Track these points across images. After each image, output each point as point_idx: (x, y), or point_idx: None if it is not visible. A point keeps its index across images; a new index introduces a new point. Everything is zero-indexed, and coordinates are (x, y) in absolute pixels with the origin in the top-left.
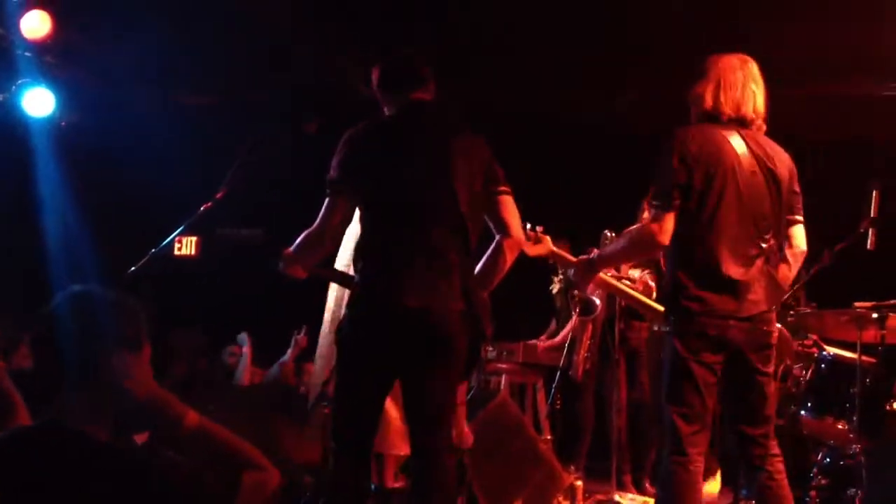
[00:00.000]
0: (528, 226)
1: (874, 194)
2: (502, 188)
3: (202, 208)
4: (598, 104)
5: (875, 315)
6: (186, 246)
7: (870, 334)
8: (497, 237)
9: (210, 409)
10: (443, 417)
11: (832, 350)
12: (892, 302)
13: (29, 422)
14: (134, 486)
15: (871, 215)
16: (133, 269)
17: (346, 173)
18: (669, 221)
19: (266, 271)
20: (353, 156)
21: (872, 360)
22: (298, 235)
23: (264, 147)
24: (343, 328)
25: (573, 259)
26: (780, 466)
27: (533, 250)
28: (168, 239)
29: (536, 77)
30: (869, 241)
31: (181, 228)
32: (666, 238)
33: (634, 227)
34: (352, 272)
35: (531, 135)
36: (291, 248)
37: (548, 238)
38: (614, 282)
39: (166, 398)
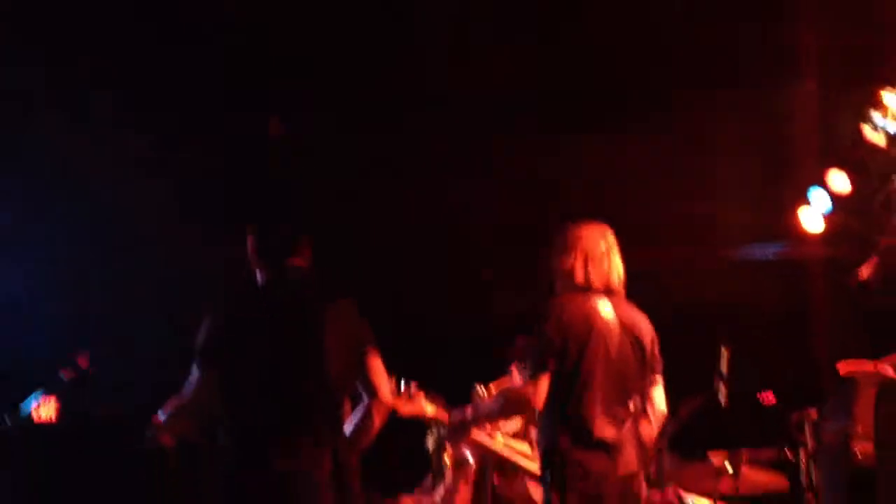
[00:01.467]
0: (403, 383)
1: (724, 353)
2: (370, 349)
3: (63, 374)
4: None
5: (728, 466)
6: (45, 408)
7: (725, 485)
8: (366, 400)
9: None
10: None
11: (691, 501)
12: (742, 452)
13: None
14: None
15: (723, 372)
16: None
17: (215, 346)
18: (544, 384)
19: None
20: (222, 328)
21: None
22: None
23: None
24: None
25: (445, 419)
26: None
27: (406, 409)
28: (24, 411)
29: None
30: (721, 397)
31: (38, 392)
32: (540, 401)
33: (509, 388)
34: None
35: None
36: (161, 417)
37: (422, 395)
38: (486, 441)
39: None
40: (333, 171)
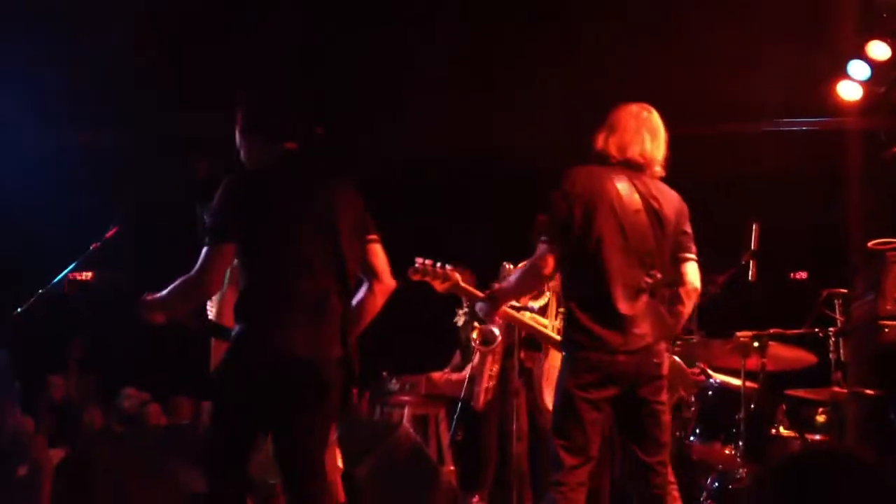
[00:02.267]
0: (438, 263)
1: (754, 229)
2: (373, 237)
3: (92, 247)
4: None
5: (756, 344)
6: (80, 283)
7: (752, 362)
8: (368, 282)
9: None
10: (321, 461)
11: (719, 377)
12: (770, 331)
13: None
14: None
15: (752, 248)
16: (20, 309)
17: (230, 221)
18: (553, 256)
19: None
20: (237, 203)
21: (756, 385)
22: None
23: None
24: (223, 379)
25: (479, 294)
26: (676, 494)
27: (441, 286)
28: (58, 278)
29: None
30: (750, 273)
31: (70, 267)
32: (549, 271)
33: (527, 261)
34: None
35: (432, 169)
36: (161, 294)
37: (456, 274)
38: (514, 313)
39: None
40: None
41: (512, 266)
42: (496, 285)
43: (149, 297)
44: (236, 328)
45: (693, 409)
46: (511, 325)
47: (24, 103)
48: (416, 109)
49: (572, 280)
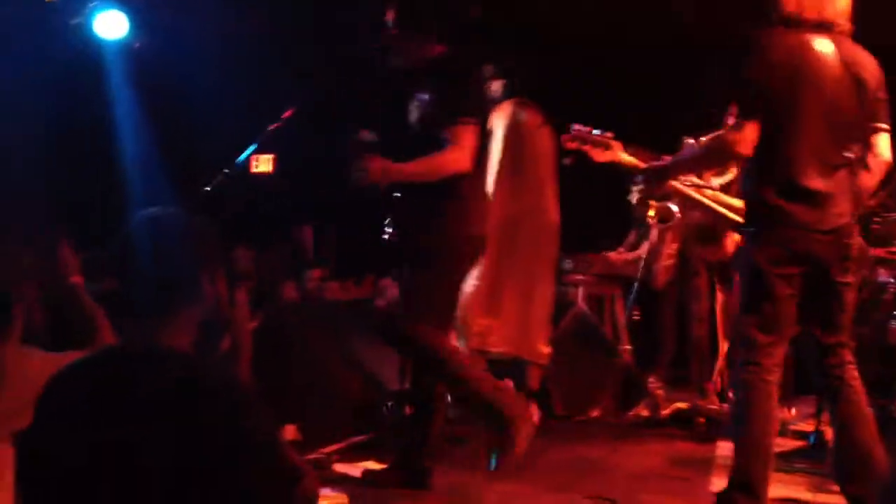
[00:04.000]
0: (597, 131)
1: None
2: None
3: (271, 127)
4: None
5: None
6: (263, 163)
7: None
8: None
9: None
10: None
11: None
12: None
13: (113, 340)
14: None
15: None
16: (208, 188)
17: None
18: (750, 130)
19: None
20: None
21: None
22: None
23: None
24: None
25: (642, 165)
26: (855, 373)
27: (601, 156)
28: (241, 157)
29: None
30: None
31: (253, 147)
32: (745, 147)
33: (714, 135)
34: None
35: (608, 46)
36: (408, 166)
37: (619, 144)
38: (687, 190)
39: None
40: None
41: (693, 142)
42: (667, 158)
43: (379, 162)
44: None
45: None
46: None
47: None
48: None
49: (765, 156)
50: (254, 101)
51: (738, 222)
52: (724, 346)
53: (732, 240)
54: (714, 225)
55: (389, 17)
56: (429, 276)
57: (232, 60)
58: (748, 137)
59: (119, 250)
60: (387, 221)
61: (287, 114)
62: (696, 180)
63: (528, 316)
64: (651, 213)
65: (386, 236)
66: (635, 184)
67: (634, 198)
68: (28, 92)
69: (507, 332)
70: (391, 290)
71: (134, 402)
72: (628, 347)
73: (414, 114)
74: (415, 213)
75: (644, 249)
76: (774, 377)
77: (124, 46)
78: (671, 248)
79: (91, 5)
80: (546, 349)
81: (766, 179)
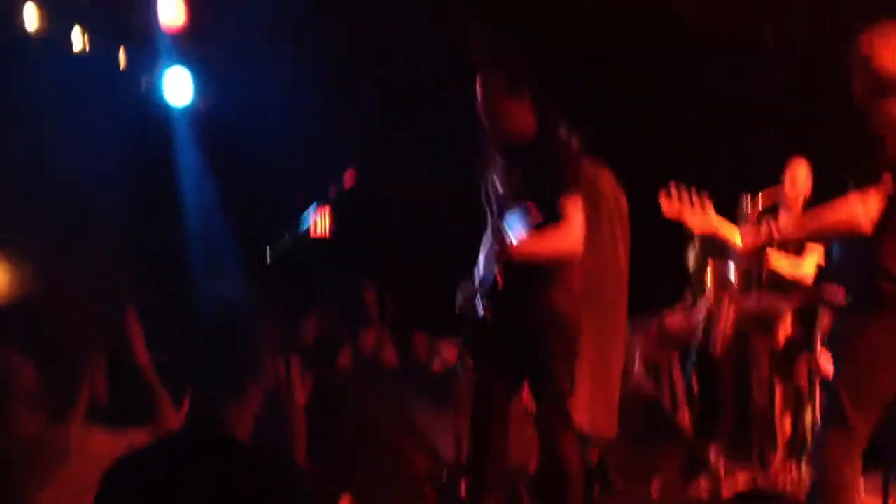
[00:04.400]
0: (692, 191)
1: None
2: None
3: (335, 190)
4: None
5: None
6: (321, 222)
7: None
8: None
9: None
10: None
11: None
12: None
13: (176, 421)
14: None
15: None
16: (272, 253)
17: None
18: (875, 202)
19: None
20: None
21: None
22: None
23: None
24: None
25: (739, 245)
26: None
27: (698, 226)
28: (303, 220)
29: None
30: None
31: (313, 208)
32: (869, 223)
33: (829, 206)
34: None
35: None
36: (531, 241)
37: (712, 210)
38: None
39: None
40: None
41: (751, 199)
42: (774, 225)
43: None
44: None
45: None
46: (753, 264)
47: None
48: None
49: (881, 237)
50: (320, 159)
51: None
52: (785, 423)
53: (785, 329)
54: (767, 311)
55: (481, 80)
56: (561, 355)
57: (298, 118)
58: (871, 210)
59: (185, 327)
60: (480, 296)
61: (349, 176)
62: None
63: (600, 385)
64: (709, 276)
65: (481, 312)
66: (692, 243)
67: (691, 258)
68: (101, 155)
69: (580, 401)
70: (448, 351)
71: (195, 491)
72: (687, 416)
73: (514, 183)
74: (532, 288)
75: (701, 312)
76: (861, 447)
77: (190, 107)
78: (729, 313)
79: (159, 68)
80: (615, 425)
81: (885, 267)
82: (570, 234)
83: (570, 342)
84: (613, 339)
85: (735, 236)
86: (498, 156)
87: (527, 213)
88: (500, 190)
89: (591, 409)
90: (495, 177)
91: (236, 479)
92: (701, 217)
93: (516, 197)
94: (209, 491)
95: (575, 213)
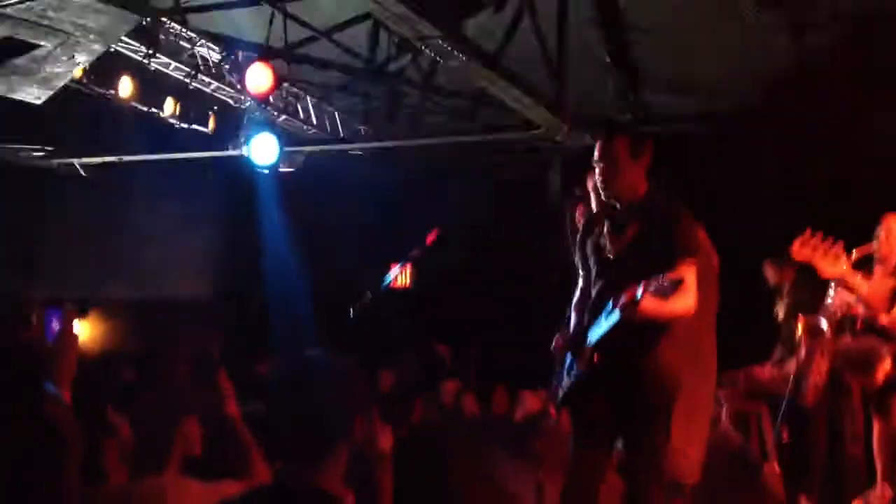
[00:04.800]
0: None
1: None
2: None
3: (415, 251)
4: None
5: None
6: (402, 277)
7: None
8: None
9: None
10: None
11: None
12: None
13: (267, 475)
14: None
15: None
16: (353, 314)
17: None
18: None
19: None
20: None
21: None
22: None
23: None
24: None
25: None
26: None
27: (829, 271)
28: (384, 284)
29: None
30: None
31: (394, 273)
32: None
33: None
34: None
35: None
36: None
37: (845, 256)
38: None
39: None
40: None
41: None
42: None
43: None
44: None
45: None
46: (845, 318)
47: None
48: None
49: None
50: (400, 221)
51: None
52: (882, 480)
53: (884, 368)
54: (866, 351)
55: (604, 142)
56: (662, 410)
57: (377, 183)
58: None
59: (270, 396)
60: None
61: (431, 236)
62: (849, 298)
63: (689, 433)
64: (800, 327)
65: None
66: (780, 297)
67: (780, 312)
68: (197, 221)
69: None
70: (530, 402)
71: None
72: (777, 470)
73: (616, 243)
74: (642, 346)
75: (792, 366)
76: None
77: (276, 171)
78: (822, 365)
79: (247, 134)
80: (698, 472)
81: None
82: (687, 298)
83: (671, 397)
84: (704, 388)
85: (862, 286)
86: (606, 217)
87: (655, 279)
88: (607, 249)
89: (678, 455)
90: (601, 237)
91: None
92: (832, 263)
93: (627, 257)
94: None
95: (690, 278)
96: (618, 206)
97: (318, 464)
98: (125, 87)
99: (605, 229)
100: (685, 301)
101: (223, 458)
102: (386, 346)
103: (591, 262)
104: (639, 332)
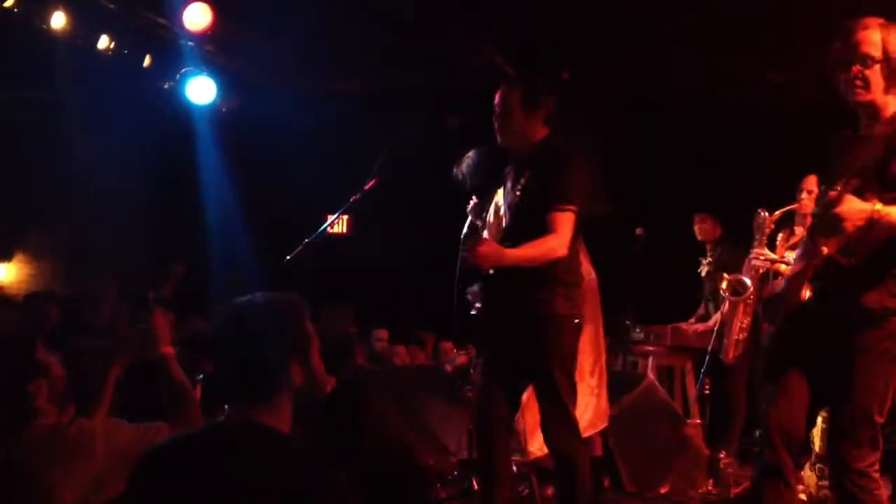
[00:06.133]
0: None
1: None
2: None
3: (352, 199)
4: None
5: None
6: (339, 224)
7: None
8: None
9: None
10: None
11: None
12: None
13: (200, 419)
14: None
15: None
16: (289, 258)
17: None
18: None
19: None
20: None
21: None
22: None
23: (409, 138)
24: None
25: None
26: None
27: None
28: (321, 229)
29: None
30: None
31: (332, 219)
32: None
33: None
34: None
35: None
36: (513, 251)
37: None
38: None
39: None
40: None
41: (767, 214)
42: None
43: (489, 247)
44: None
45: None
46: (764, 275)
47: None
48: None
49: None
50: (339, 162)
51: None
52: None
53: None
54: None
55: (501, 93)
56: (557, 363)
57: (315, 122)
58: None
59: (211, 340)
60: (474, 297)
61: (369, 185)
62: (769, 254)
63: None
64: (724, 285)
65: (473, 311)
66: (703, 256)
67: (704, 270)
68: (127, 156)
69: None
70: (454, 355)
71: (231, 480)
72: (699, 422)
73: (513, 192)
74: (517, 295)
75: (715, 321)
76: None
77: (212, 110)
78: (743, 321)
79: (182, 72)
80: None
81: None
82: (551, 242)
83: (564, 344)
84: (600, 343)
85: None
86: (510, 164)
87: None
88: (509, 194)
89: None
90: (509, 182)
91: (273, 466)
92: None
93: (519, 204)
94: (248, 477)
95: (560, 227)
96: (513, 153)
97: (259, 409)
98: (58, 19)
99: (509, 179)
100: (551, 248)
101: (156, 400)
102: (320, 294)
103: (503, 210)
104: (522, 276)
